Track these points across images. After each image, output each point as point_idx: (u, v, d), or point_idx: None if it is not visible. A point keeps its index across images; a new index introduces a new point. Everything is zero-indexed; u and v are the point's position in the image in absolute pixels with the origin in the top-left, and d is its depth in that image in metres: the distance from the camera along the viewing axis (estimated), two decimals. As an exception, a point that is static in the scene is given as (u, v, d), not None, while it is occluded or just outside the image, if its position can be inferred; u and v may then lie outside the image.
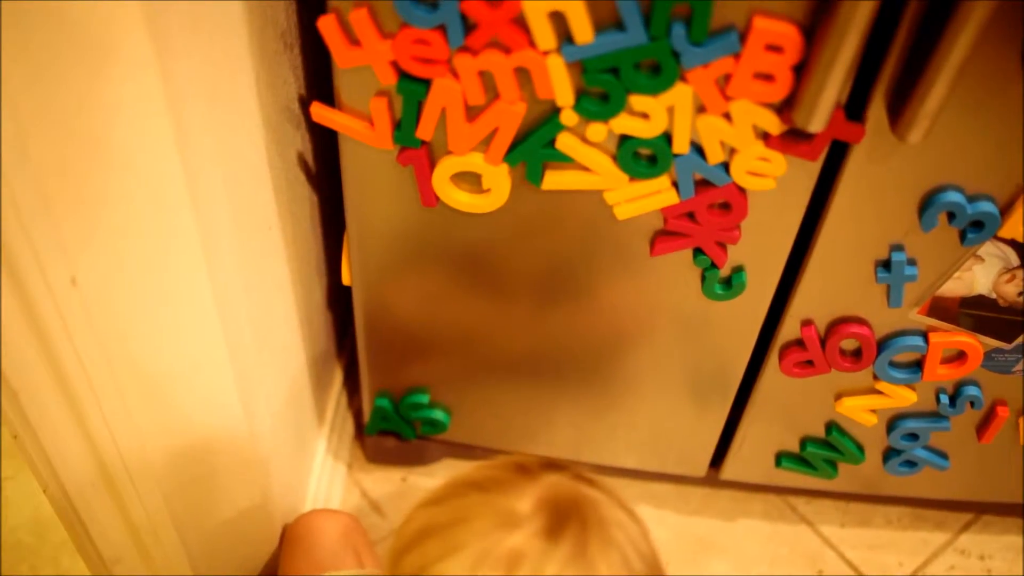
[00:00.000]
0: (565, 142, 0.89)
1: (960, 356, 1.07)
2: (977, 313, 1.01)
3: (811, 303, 1.04)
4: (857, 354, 1.07)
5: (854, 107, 0.85)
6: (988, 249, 0.95)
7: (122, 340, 0.82)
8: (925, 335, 1.05)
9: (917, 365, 1.08)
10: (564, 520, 0.67)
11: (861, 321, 1.04)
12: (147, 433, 0.90)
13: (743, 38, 0.79)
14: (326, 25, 0.83)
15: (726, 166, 0.90)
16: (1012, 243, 0.94)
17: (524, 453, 0.76)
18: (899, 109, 0.82)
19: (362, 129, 0.91)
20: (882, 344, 1.06)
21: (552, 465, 0.72)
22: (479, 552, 0.65)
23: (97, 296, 0.77)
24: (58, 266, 0.72)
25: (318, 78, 1.01)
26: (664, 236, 0.98)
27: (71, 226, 0.72)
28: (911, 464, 1.23)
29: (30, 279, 0.71)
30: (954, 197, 0.90)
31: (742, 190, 0.92)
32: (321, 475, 1.33)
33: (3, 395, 0.79)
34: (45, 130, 0.66)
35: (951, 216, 0.92)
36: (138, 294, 0.80)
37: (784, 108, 0.84)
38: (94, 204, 0.72)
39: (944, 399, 1.12)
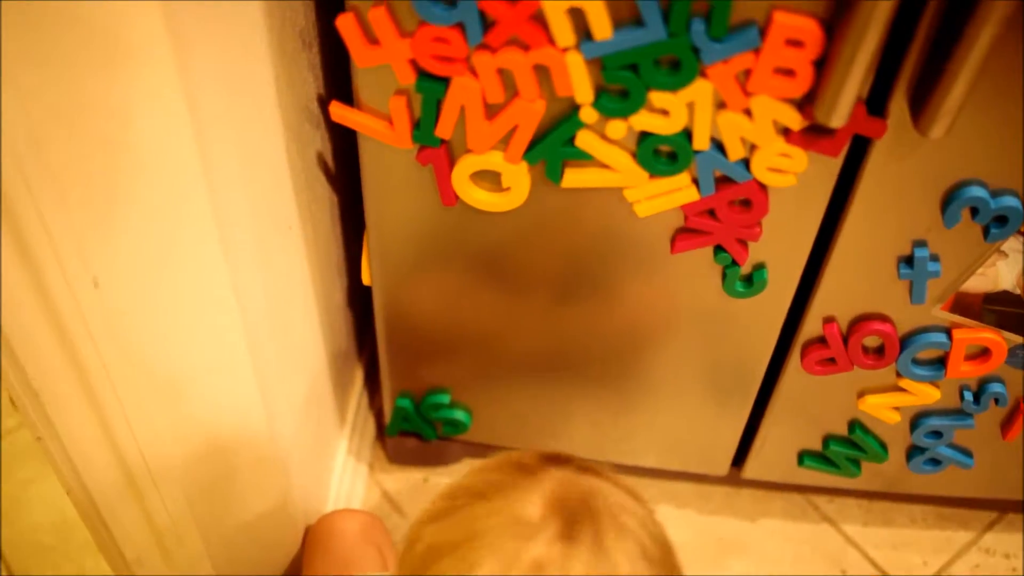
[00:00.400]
0: (585, 139, 0.89)
1: (984, 353, 1.06)
2: (1001, 309, 1.01)
3: (833, 300, 1.03)
4: (880, 351, 1.07)
5: (875, 102, 0.85)
6: (1012, 244, 0.94)
7: (143, 341, 0.82)
8: (948, 331, 1.04)
9: (940, 362, 1.07)
10: (577, 519, 0.66)
11: (884, 318, 1.04)
12: (169, 434, 0.90)
13: (763, 33, 0.79)
14: (345, 24, 0.83)
15: (747, 162, 0.89)
16: (1036, 238, 0.93)
17: (518, 449, 0.74)
18: (921, 104, 0.81)
19: (381, 128, 0.91)
20: (905, 341, 1.05)
21: (550, 459, 0.71)
22: (500, 568, 0.64)
23: (118, 297, 0.77)
24: (79, 268, 0.72)
25: (337, 77, 1.01)
26: (684, 233, 0.97)
27: (91, 228, 0.72)
28: (935, 462, 1.23)
29: (52, 281, 0.71)
30: (977, 192, 0.90)
31: (763, 187, 0.91)
32: (343, 476, 1.33)
33: (26, 397, 0.79)
34: (64, 131, 0.66)
35: (974, 211, 0.91)
36: (158, 295, 0.81)
37: (805, 104, 0.83)
38: (114, 205, 0.72)
39: (968, 396, 1.12)
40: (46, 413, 0.81)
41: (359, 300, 1.32)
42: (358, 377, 1.41)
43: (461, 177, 0.93)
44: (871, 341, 1.06)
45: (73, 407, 0.82)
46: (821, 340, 1.07)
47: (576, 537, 0.65)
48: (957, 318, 1.02)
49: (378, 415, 1.42)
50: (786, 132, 0.86)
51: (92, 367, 0.79)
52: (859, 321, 1.04)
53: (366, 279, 1.10)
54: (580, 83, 0.84)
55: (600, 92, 0.85)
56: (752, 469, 1.30)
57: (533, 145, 0.90)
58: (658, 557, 0.68)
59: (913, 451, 1.21)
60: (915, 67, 0.81)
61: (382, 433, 1.39)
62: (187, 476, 0.95)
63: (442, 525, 0.69)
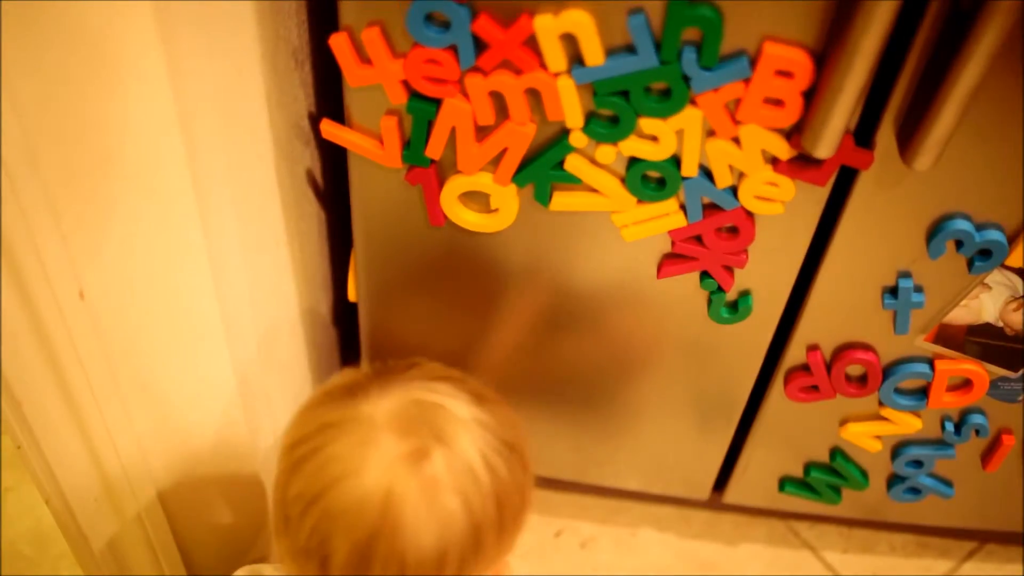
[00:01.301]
0: (574, 163, 0.89)
1: (966, 384, 1.06)
2: (984, 341, 1.01)
3: (817, 328, 1.04)
4: (863, 380, 1.07)
5: (863, 133, 0.85)
6: (995, 277, 0.95)
7: (128, 354, 0.82)
8: (931, 362, 1.04)
9: (923, 392, 1.08)
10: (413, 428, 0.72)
11: (867, 347, 1.04)
12: (149, 446, 0.90)
13: (753, 63, 0.79)
14: (338, 43, 0.83)
15: (734, 190, 0.90)
16: (1020, 272, 0.94)
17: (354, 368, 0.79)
18: (908, 136, 0.82)
19: (371, 147, 0.91)
20: (888, 370, 1.06)
21: (382, 373, 0.77)
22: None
23: (104, 310, 0.77)
24: (66, 279, 0.73)
25: (328, 95, 1.01)
26: (671, 259, 0.98)
27: (80, 240, 0.72)
28: (915, 491, 1.23)
29: (38, 292, 0.71)
30: (962, 225, 0.90)
31: (750, 214, 0.92)
32: (323, 492, 1.32)
33: (7, 406, 0.79)
34: (57, 145, 0.66)
35: (959, 244, 0.92)
36: (145, 308, 0.81)
37: (793, 133, 0.84)
38: (104, 219, 0.72)
39: (949, 427, 1.12)
40: (27, 422, 0.80)
41: (344, 317, 1.32)
42: (342, 393, 1.40)
43: (450, 197, 0.94)
44: (854, 370, 1.06)
45: (54, 417, 0.81)
46: (805, 368, 1.07)
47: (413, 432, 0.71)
48: (940, 349, 1.03)
49: (361, 431, 1.42)
50: (774, 161, 0.87)
51: (75, 378, 0.79)
52: (843, 350, 1.05)
53: (352, 296, 1.10)
54: (571, 108, 0.84)
55: (590, 117, 0.85)
56: (734, 494, 1.30)
57: (522, 167, 0.90)
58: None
59: (894, 480, 1.22)
60: (903, 100, 0.82)
61: (364, 450, 1.38)
62: (168, 489, 0.95)
63: (300, 474, 0.72)
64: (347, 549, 0.69)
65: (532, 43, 0.80)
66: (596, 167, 0.89)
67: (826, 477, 1.22)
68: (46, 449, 0.84)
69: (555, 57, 0.80)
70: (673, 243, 0.96)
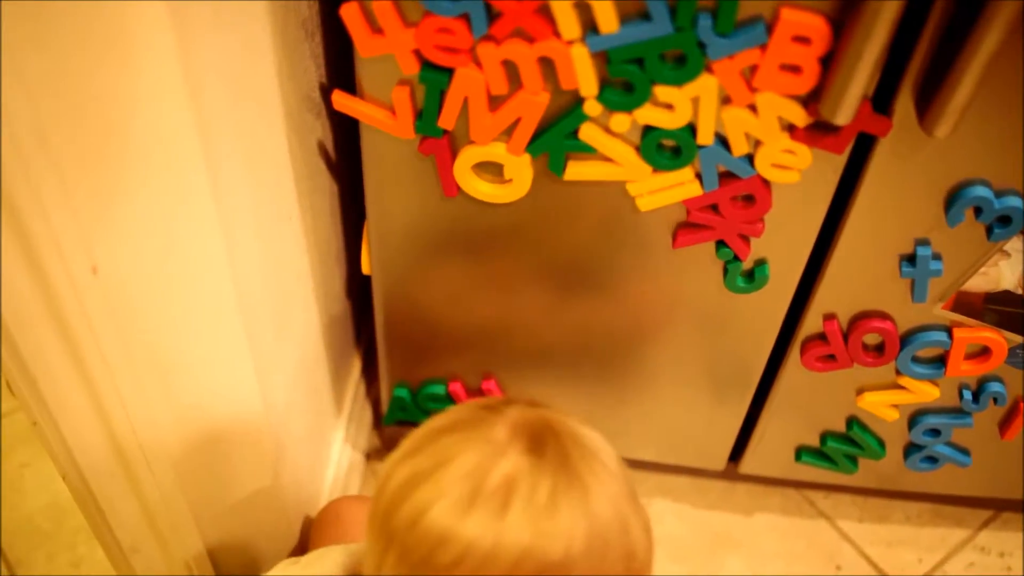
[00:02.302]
0: (588, 132, 0.88)
1: (984, 352, 1.06)
2: (1002, 309, 1.00)
3: (834, 297, 1.03)
4: (880, 349, 1.07)
5: (881, 100, 0.84)
6: (1015, 244, 0.94)
7: (141, 328, 0.82)
8: (949, 330, 1.04)
9: (940, 361, 1.07)
10: (541, 438, 0.69)
11: (884, 316, 1.03)
12: (164, 420, 0.90)
13: (770, 29, 0.79)
14: (349, 13, 0.82)
15: (751, 158, 0.89)
16: (1039, 239, 0.93)
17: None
18: (926, 103, 0.81)
19: (383, 118, 0.90)
20: (905, 339, 1.05)
21: (511, 400, 0.73)
22: (473, 486, 0.66)
23: (117, 284, 0.77)
24: (79, 255, 0.72)
25: (338, 66, 1.01)
26: (687, 228, 0.97)
27: (92, 215, 0.72)
28: (932, 460, 1.23)
29: (51, 267, 0.71)
30: (981, 192, 0.89)
31: (766, 182, 0.91)
32: (339, 463, 1.33)
33: (23, 382, 0.79)
34: (67, 120, 0.66)
35: (978, 211, 0.91)
36: (158, 283, 0.80)
37: (810, 100, 0.83)
38: (115, 194, 0.72)
39: (967, 395, 1.12)
40: (43, 398, 0.80)
41: (358, 290, 1.32)
42: (356, 366, 1.41)
43: (463, 168, 0.93)
44: (871, 339, 1.06)
45: (70, 392, 0.81)
46: (821, 337, 1.07)
47: (542, 452, 0.68)
48: (958, 317, 1.02)
49: (375, 404, 1.42)
50: (791, 128, 0.86)
51: (89, 353, 0.79)
52: (860, 318, 1.04)
53: (366, 269, 1.10)
54: (585, 76, 0.83)
55: (604, 85, 0.85)
56: (749, 464, 1.30)
57: (536, 137, 0.89)
58: (618, 471, 0.72)
59: (911, 449, 1.21)
60: (921, 66, 0.81)
61: (379, 422, 1.39)
62: (182, 462, 0.95)
63: (414, 459, 0.70)
64: None
65: (545, 11, 0.79)
66: (611, 136, 0.88)
67: (843, 447, 1.22)
68: (62, 424, 0.84)
69: (569, 25, 0.80)
70: (689, 212, 0.95)
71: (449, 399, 1.24)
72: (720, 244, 0.98)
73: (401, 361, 1.22)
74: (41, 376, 0.78)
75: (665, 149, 0.90)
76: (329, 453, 1.32)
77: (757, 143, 0.88)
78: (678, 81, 0.83)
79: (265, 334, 0.96)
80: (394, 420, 1.31)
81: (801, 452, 1.25)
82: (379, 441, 1.41)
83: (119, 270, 0.76)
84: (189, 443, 0.95)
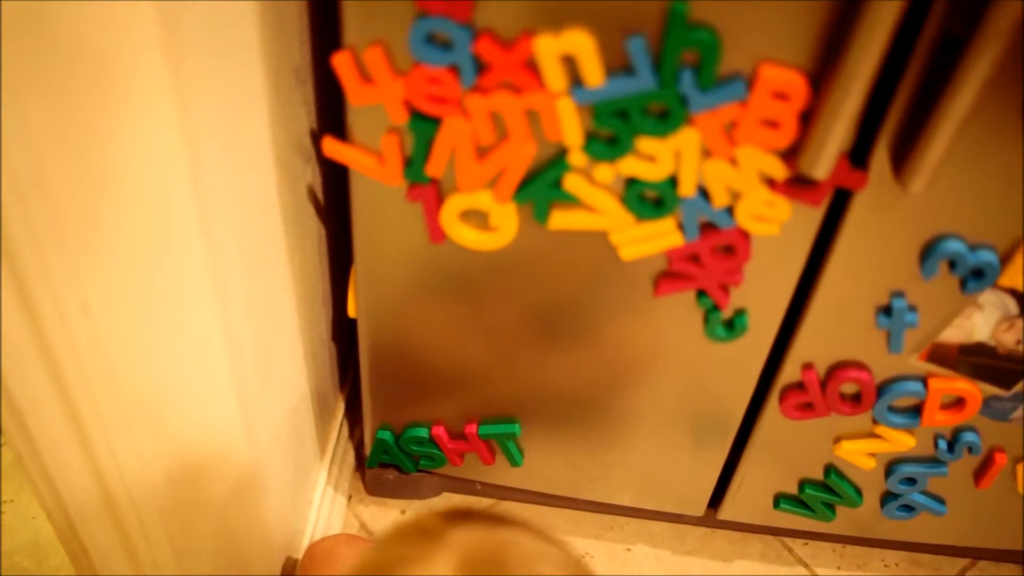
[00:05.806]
0: (572, 183, 0.90)
1: (959, 402, 1.07)
2: (976, 360, 1.02)
3: (812, 347, 1.04)
4: (857, 398, 1.08)
5: (858, 155, 0.86)
6: (988, 297, 0.96)
7: (129, 367, 0.83)
8: (924, 381, 1.05)
9: (916, 410, 1.09)
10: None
11: (861, 366, 1.05)
12: (150, 458, 0.91)
13: (750, 85, 0.81)
14: (341, 62, 0.84)
15: (731, 210, 0.91)
16: (1012, 292, 0.95)
17: (430, 512, 0.70)
18: (902, 158, 0.83)
19: (373, 165, 0.92)
20: (882, 389, 1.06)
21: (453, 517, 0.67)
22: None
23: (107, 324, 0.78)
24: (70, 294, 0.73)
25: (329, 113, 1.02)
26: (668, 277, 0.99)
27: (84, 256, 0.73)
28: (908, 509, 1.24)
29: (42, 305, 0.72)
30: (955, 246, 0.91)
31: (746, 234, 0.93)
32: (321, 505, 1.33)
33: (10, 416, 0.80)
34: (63, 162, 0.67)
35: (952, 264, 0.93)
36: (147, 323, 0.81)
37: (789, 154, 0.85)
38: (108, 235, 0.73)
39: (942, 445, 1.13)
40: (30, 434, 0.81)
41: (343, 332, 1.33)
42: (339, 408, 1.41)
43: (450, 215, 0.95)
44: (848, 388, 1.07)
45: (56, 429, 0.82)
46: (799, 385, 1.08)
47: None
48: (933, 368, 1.04)
49: (358, 446, 1.43)
50: (770, 182, 0.88)
51: (77, 391, 0.79)
52: (837, 368, 1.06)
53: (352, 312, 1.11)
54: (570, 128, 0.85)
55: (589, 137, 0.86)
56: (728, 511, 1.31)
57: (522, 186, 0.91)
58: None
59: (887, 497, 1.22)
60: (898, 122, 0.83)
61: (361, 464, 1.39)
62: (166, 500, 0.95)
63: None
64: None
65: (532, 64, 0.81)
66: (594, 186, 0.90)
67: (820, 494, 1.23)
68: (48, 461, 0.84)
69: (555, 78, 0.82)
70: (670, 261, 0.97)
71: (432, 443, 1.24)
72: (701, 293, 1.00)
73: (385, 404, 1.22)
74: (28, 412, 0.79)
75: (648, 200, 0.91)
76: (311, 495, 1.32)
77: (737, 195, 0.89)
78: (661, 134, 0.85)
79: (250, 375, 0.97)
80: (377, 463, 1.32)
81: (780, 499, 1.26)
82: (362, 484, 1.41)
83: (109, 310, 0.77)
84: (173, 481, 0.95)
